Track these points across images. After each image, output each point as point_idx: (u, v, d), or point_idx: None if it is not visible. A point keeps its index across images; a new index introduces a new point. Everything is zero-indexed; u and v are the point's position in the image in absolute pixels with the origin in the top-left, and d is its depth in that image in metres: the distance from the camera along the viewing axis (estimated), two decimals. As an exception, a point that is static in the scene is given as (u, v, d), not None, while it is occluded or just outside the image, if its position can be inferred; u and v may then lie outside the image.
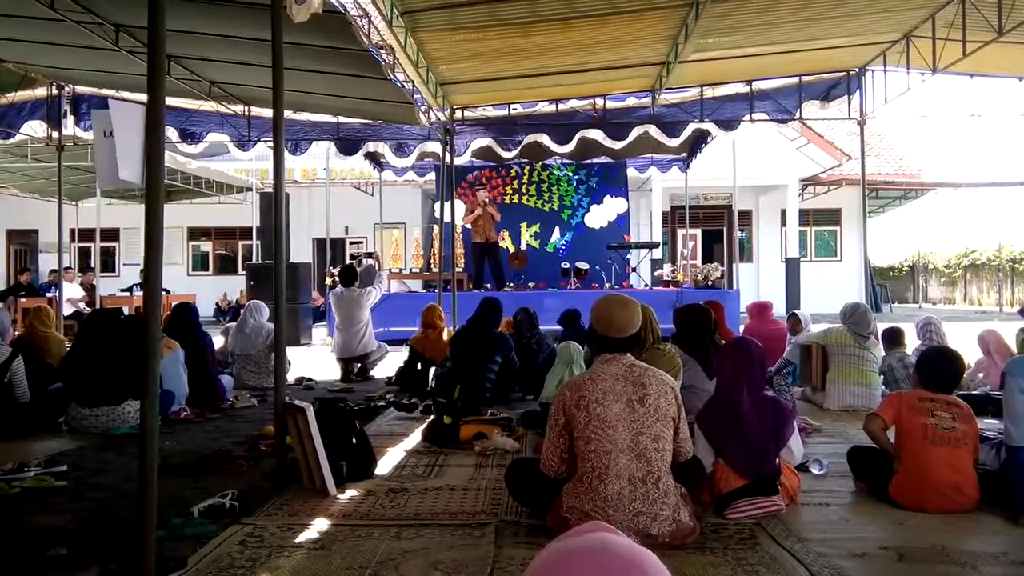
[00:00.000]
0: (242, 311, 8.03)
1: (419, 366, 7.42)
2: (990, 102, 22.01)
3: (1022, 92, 11.82)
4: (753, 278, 20.63)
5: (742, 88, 11.80)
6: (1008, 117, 12.91)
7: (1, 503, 3.70)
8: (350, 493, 3.77)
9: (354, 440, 4.12)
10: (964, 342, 7.02)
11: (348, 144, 12.28)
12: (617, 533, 1.16)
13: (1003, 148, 46.52)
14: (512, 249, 15.38)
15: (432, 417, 5.31)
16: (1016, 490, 3.28)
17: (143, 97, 9.60)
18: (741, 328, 10.35)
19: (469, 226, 13.60)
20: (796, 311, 7.67)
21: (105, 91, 10.38)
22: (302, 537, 3.13)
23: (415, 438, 5.11)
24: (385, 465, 4.34)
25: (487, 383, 6.16)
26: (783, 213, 20.40)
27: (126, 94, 10.16)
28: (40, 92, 10.31)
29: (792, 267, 18.83)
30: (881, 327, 6.49)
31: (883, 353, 6.20)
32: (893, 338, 6.33)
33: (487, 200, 13.49)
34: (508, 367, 6.39)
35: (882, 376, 6.10)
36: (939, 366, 3.69)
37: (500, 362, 6.26)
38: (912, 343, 6.59)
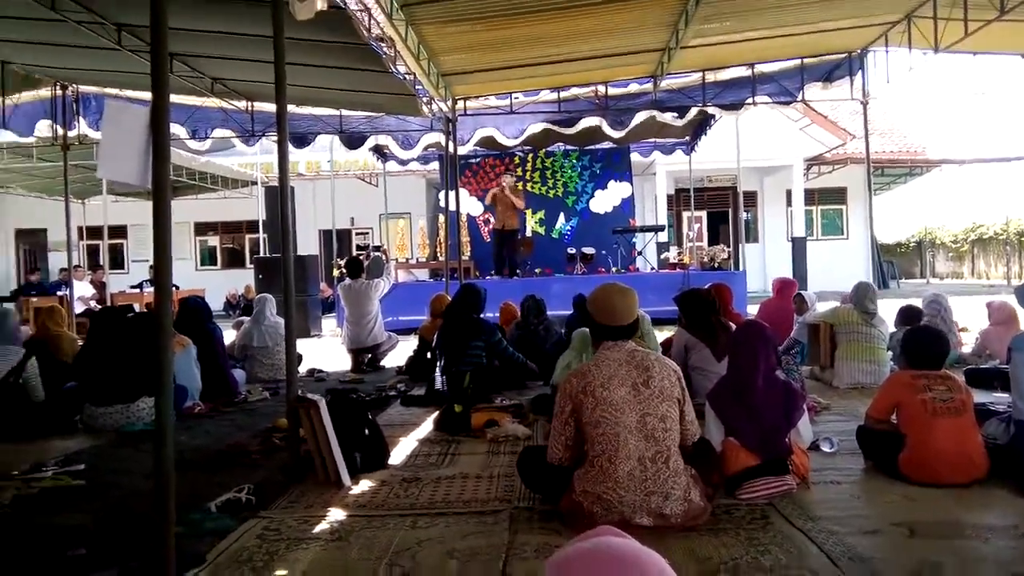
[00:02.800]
0: (255, 305, 8.07)
1: (429, 355, 7.46)
2: (993, 79, 21.86)
3: (1026, 67, 11.70)
4: (759, 259, 20.60)
5: (744, 72, 11.74)
6: (1011, 93, 12.81)
7: (19, 504, 3.73)
8: (364, 484, 3.81)
9: (367, 431, 4.16)
10: (973, 315, 7.03)
11: (353, 139, 12.30)
12: (622, 535, 1.19)
13: (1007, 123, 46.25)
14: (518, 236, 15.39)
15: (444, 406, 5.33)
16: (1025, 464, 3.31)
17: (146, 95, 9.67)
18: (749, 308, 10.39)
19: (493, 205, 13.43)
20: (802, 291, 7.68)
21: (109, 90, 10.41)
22: (319, 529, 3.18)
23: (427, 427, 5.15)
24: (398, 455, 4.39)
25: (466, 367, 5.95)
26: (788, 193, 20.34)
27: (129, 92, 10.20)
28: (45, 93, 10.34)
29: (798, 246, 18.81)
30: (890, 304, 6.49)
31: (891, 330, 6.21)
32: (910, 316, 6.33)
33: (507, 185, 13.28)
34: (499, 355, 6.30)
35: (891, 352, 6.11)
36: (924, 345, 3.77)
37: (483, 346, 6.15)
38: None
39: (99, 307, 12.46)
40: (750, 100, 11.88)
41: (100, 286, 14.72)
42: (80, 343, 6.55)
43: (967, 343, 6.98)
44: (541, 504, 3.33)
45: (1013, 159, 21.38)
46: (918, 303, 6.85)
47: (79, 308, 12.26)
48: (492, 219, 13.54)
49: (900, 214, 28.30)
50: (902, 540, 2.88)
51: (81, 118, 10.69)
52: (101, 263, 16.31)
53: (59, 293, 13.15)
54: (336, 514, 3.35)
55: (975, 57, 11.26)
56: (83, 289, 13.62)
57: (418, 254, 15.07)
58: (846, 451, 4.00)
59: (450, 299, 8.03)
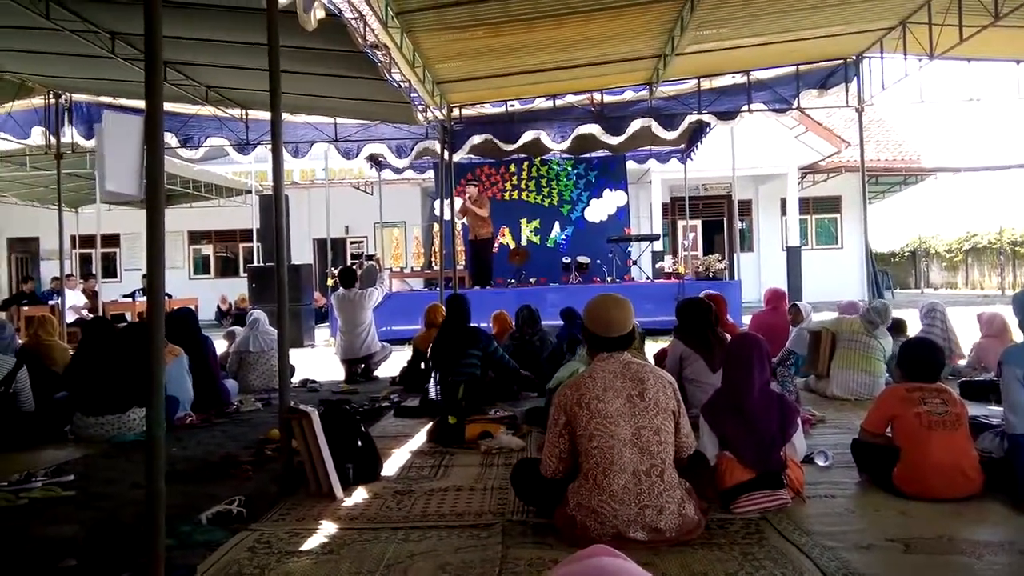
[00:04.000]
0: (248, 316, 8.06)
1: (423, 365, 7.43)
2: (988, 86, 21.95)
3: (1020, 75, 11.76)
4: (754, 268, 20.62)
5: (739, 79, 11.76)
6: (1007, 100, 12.86)
7: (9, 515, 3.71)
8: (357, 496, 3.79)
9: (359, 443, 4.13)
10: (968, 326, 7.03)
11: (348, 148, 12.28)
12: (616, 555, 1.16)
13: (1002, 131, 46.54)
14: (513, 245, 15.39)
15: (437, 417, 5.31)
16: (1020, 478, 3.29)
17: (140, 104, 9.67)
18: (744, 318, 10.38)
19: (466, 222, 13.57)
20: (797, 302, 7.68)
21: (102, 98, 10.40)
22: (310, 542, 3.15)
23: (420, 438, 5.12)
24: (391, 467, 4.36)
25: (461, 378, 5.94)
26: (783, 202, 20.37)
27: (123, 101, 10.18)
28: (38, 101, 10.32)
29: (793, 255, 18.82)
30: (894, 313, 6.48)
31: (891, 341, 6.21)
32: (896, 328, 6.34)
33: (471, 196, 13.34)
34: (495, 364, 6.28)
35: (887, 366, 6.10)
36: (920, 358, 3.77)
37: (479, 356, 6.15)
38: (915, 329, 6.59)
39: (91, 316, 12.41)
40: (745, 108, 11.91)
41: (92, 295, 14.68)
42: (71, 353, 6.51)
43: (965, 355, 6.98)
44: (535, 517, 3.31)
45: (1007, 167, 21.47)
46: (913, 313, 6.85)
47: (71, 317, 12.21)
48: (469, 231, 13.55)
49: (894, 223, 28.43)
50: (897, 555, 2.86)
51: (73, 127, 10.66)
52: (93, 272, 16.27)
53: (51, 302, 13.10)
54: (328, 527, 3.32)
55: (970, 64, 11.30)
56: (75, 298, 13.57)
57: (413, 263, 15.05)
58: (840, 464, 3.98)
59: (444, 309, 8.03)
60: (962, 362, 6.88)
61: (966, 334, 7.12)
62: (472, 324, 6.46)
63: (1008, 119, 50.25)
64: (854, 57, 11.67)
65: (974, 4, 8.48)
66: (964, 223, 26.14)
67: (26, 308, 12.64)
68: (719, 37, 9.74)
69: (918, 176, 22.20)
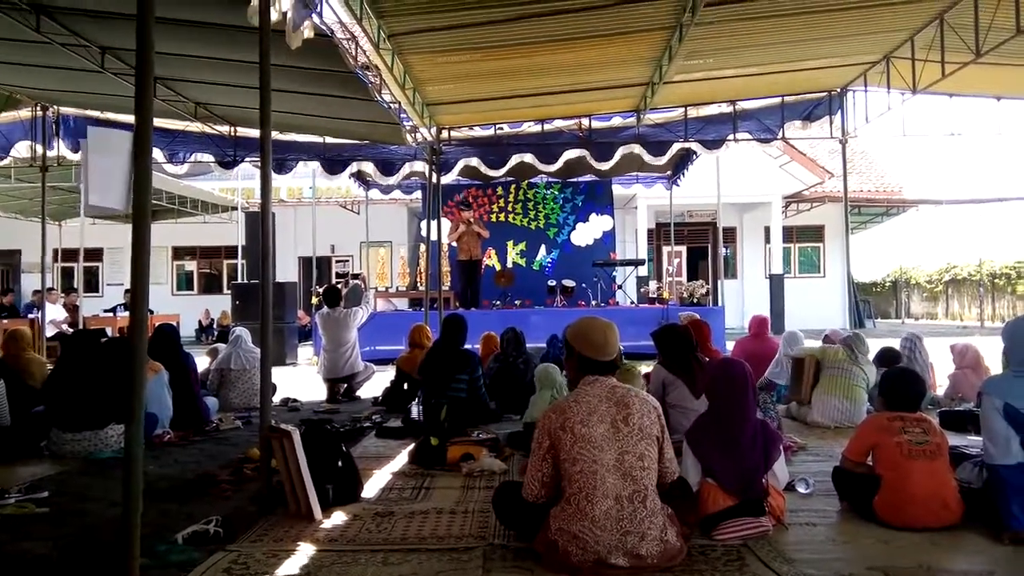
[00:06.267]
0: (231, 335, 8.00)
1: (406, 386, 7.40)
2: (969, 121, 22.32)
3: (1000, 111, 11.97)
4: (738, 295, 20.74)
5: (726, 108, 11.93)
6: (987, 135, 13.10)
7: (-18, 531, 3.64)
8: (336, 517, 3.75)
9: (340, 463, 4.09)
10: (946, 357, 7.09)
11: (334, 165, 12.27)
12: None
13: (982, 166, 47.27)
14: (499, 267, 15.41)
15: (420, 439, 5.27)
16: (999, 508, 3.31)
17: (128, 118, 9.66)
18: (728, 344, 10.41)
19: (455, 244, 13.64)
20: (794, 330, 7.60)
21: (90, 112, 10.38)
22: (288, 564, 3.11)
23: (401, 460, 5.09)
24: (371, 488, 4.32)
25: (445, 400, 5.87)
26: (767, 230, 20.55)
27: (111, 115, 10.16)
28: (25, 113, 10.29)
29: (776, 283, 18.95)
30: (872, 343, 6.53)
31: (874, 370, 6.25)
32: (888, 358, 6.37)
33: (472, 219, 13.52)
34: (475, 390, 6.23)
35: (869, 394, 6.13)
36: (902, 387, 3.78)
37: (467, 379, 6.14)
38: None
39: (71, 331, 12.28)
40: (731, 137, 12.05)
41: (73, 309, 14.54)
42: (50, 367, 6.43)
43: (940, 385, 7.04)
44: (516, 541, 3.28)
45: (987, 201, 21.79)
46: (894, 343, 6.90)
47: (51, 331, 12.09)
48: (458, 251, 13.57)
49: (876, 253, 28.68)
50: (878, 584, 2.86)
51: (60, 139, 10.62)
52: (75, 286, 16.12)
53: (31, 316, 12.97)
54: (306, 548, 3.29)
55: (952, 99, 11.51)
56: (55, 312, 13.44)
57: (398, 283, 15.03)
58: (822, 492, 3.98)
59: (429, 330, 8.02)
60: (940, 391, 6.93)
61: (941, 365, 7.19)
62: (464, 347, 6.45)
63: (988, 154, 51.14)
64: (838, 90, 11.87)
65: (956, 41, 8.66)
66: (944, 255, 26.46)
67: (5, 321, 12.49)
68: (706, 67, 9.88)
69: (900, 207, 22.49)
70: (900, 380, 3.85)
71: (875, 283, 28.57)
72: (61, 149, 10.82)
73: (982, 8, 8.09)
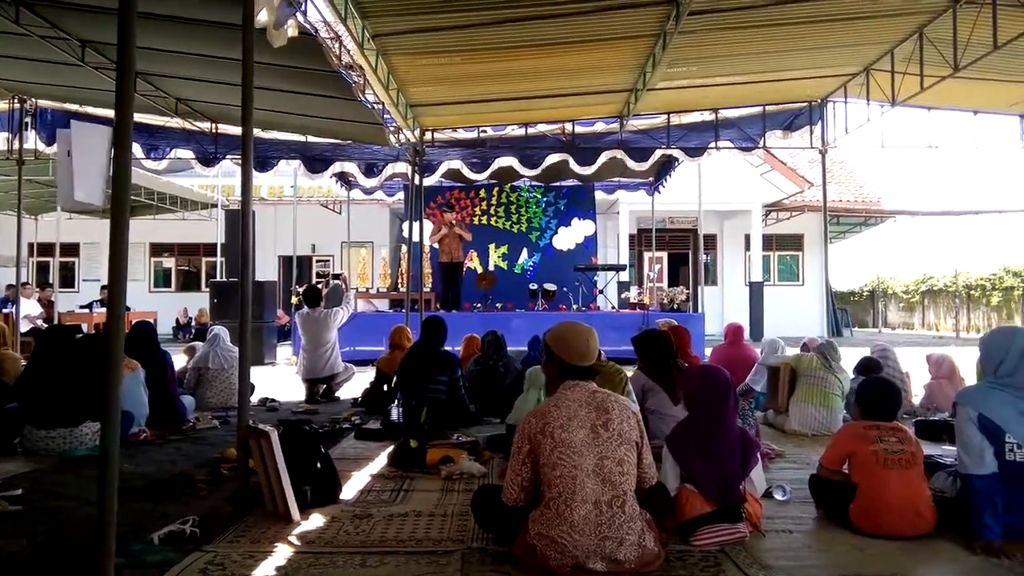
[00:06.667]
0: (209, 331, 7.94)
1: (386, 387, 7.37)
2: (947, 134, 22.61)
3: (976, 125, 12.16)
4: (718, 301, 20.87)
5: (708, 116, 12.02)
6: (963, 148, 13.30)
7: (-48, 529, 3.58)
8: (314, 519, 3.73)
9: (319, 464, 4.07)
10: (923, 367, 7.17)
11: (316, 164, 12.22)
12: None
13: (959, 178, 47.94)
14: (480, 270, 15.41)
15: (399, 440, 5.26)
16: (971, 517, 3.35)
17: (107, 112, 9.55)
18: (707, 351, 10.47)
19: (436, 245, 13.63)
20: (775, 337, 7.65)
21: (68, 106, 10.25)
22: (265, 565, 3.09)
23: (380, 462, 5.07)
24: (350, 490, 4.30)
25: (424, 401, 5.90)
26: (747, 238, 20.71)
27: (90, 109, 10.05)
28: (1, 105, 10.15)
29: (756, 291, 19.10)
30: (843, 352, 6.58)
31: (850, 377, 6.31)
32: (869, 368, 6.42)
33: (454, 221, 13.52)
34: (455, 391, 6.23)
35: (845, 401, 6.18)
36: (879, 397, 3.82)
37: (446, 381, 6.15)
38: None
39: (46, 326, 12.12)
40: (713, 145, 12.14)
41: (48, 304, 14.35)
42: (24, 363, 6.35)
43: (916, 395, 7.11)
44: (494, 545, 3.28)
45: (963, 213, 22.06)
46: (865, 352, 6.97)
47: (25, 327, 11.92)
48: (440, 253, 13.58)
49: (854, 263, 28.98)
50: (852, 591, 2.88)
51: (36, 132, 10.48)
52: (51, 281, 15.90)
53: (4, 311, 12.78)
54: (283, 550, 3.27)
55: (930, 112, 11.68)
56: (30, 307, 13.26)
57: (379, 284, 14.98)
58: (798, 499, 4.02)
59: (410, 331, 8.00)
60: (916, 400, 7.01)
61: (917, 375, 7.27)
62: (444, 348, 6.45)
63: (965, 167, 51.87)
64: (819, 100, 12.00)
65: (935, 55, 8.78)
66: (921, 265, 26.75)
67: (-22, 316, 12.31)
68: (689, 75, 9.96)
69: (878, 218, 22.73)
70: (877, 389, 3.90)
71: (853, 292, 28.86)
72: (37, 142, 10.68)
73: (961, 24, 8.21)
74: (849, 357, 6.73)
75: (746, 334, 8.22)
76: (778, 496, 4.03)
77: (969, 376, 6.65)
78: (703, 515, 3.32)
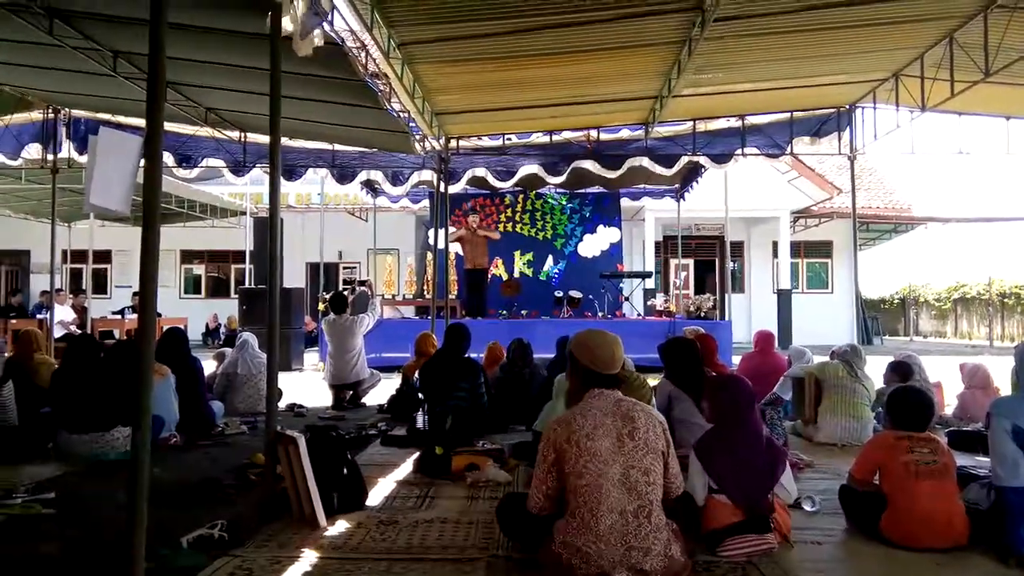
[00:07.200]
0: (238, 339, 8.03)
1: (420, 395, 7.37)
2: (978, 139, 22.29)
3: (1009, 131, 11.97)
4: (745, 309, 20.70)
5: (734, 122, 11.94)
6: (996, 154, 13.08)
7: (-13, 531, 3.64)
8: (340, 525, 3.75)
9: (345, 471, 4.10)
10: (956, 376, 7.05)
11: (344, 173, 12.34)
12: None
13: (991, 184, 47.17)
14: (506, 277, 15.41)
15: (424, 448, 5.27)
16: (1005, 530, 3.29)
17: (139, 121, 9.71)
18: (734, 359, 10.39)
19: (457, 248, 13.63)
20: (799, 346, 7.60)
21: (101, 115, 10.44)
22: (292, 570, 3.11)
23: (406, 468, 5.08)
24: (376, 496, 4.32)
25: (447, 409, 5.90)
26: (775, 245, 20.52)
27: (121, 118, 10.21)
28: (36, 115, 10.35)
29: (784, 299, 18.91)
30: (874, 360, 6.49)
31: (879, 386, 6.21)
32: (900, 372, 6.33)
33: (476, 223, 13.52)
34: (476, 397, 6.18)
35: (877, 411, 6.09)
36: (909, 406, 3.76)
37: (468, 388, 6.11)
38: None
39: (79, 332, 12.32)
40: (739, 152, 12.06)
41: (81, 311, 14.58)
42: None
43: (949, 404, 6.99)
44: (519, 553, 3.28)
45: (996, 220, 21.71)
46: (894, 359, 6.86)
47: (59, 332, 12.13)
48: (465, 260, 13.62)
49: (884, 270, 28.57)
50: (883, 604, 2.84)
51: (70, 142, 10.68)
52: (84, 287, 16.15)
53: (39, 316, 13.02)
54: (310, 555, 3.29)
55: (960, 117, 11.50)
56: (64, 313, 13.48)
57: (405, 291, 15.04)
58: (828, 510, 3.97)
59: (435, 338, 8.02)
60: (949, 410, 6.89)
61: (950, 384, 7.15)
62: (468, 355, 6.45)
63: (997, 173, 51.00)
64: (847, 106, 11.87)
65: (965, 60, 8.65)
66: (953, 273, 26.31)
67: (14, 322, 12.54)
68: (715, 82, 9.89)
69: (908, 225, 22.43)
70: (908, 399, 3.83)
71: (883, 300, 28.45)
72: (71, 151, 10.88)
73: (992, 28, 8.08)
74: (878, 366, 6.64)
75: (775, 342, 8.13)
76: (807, 507, 3.98)
77: (1004, 386, 6.54)
78: (730, 525, 3.29)
